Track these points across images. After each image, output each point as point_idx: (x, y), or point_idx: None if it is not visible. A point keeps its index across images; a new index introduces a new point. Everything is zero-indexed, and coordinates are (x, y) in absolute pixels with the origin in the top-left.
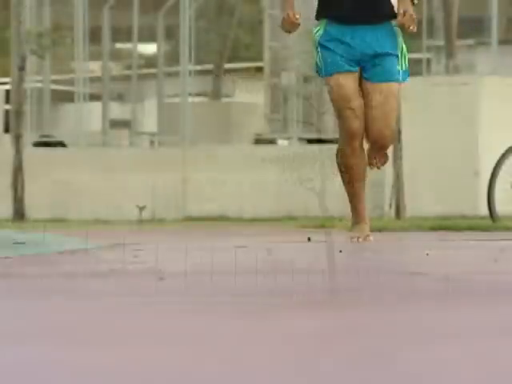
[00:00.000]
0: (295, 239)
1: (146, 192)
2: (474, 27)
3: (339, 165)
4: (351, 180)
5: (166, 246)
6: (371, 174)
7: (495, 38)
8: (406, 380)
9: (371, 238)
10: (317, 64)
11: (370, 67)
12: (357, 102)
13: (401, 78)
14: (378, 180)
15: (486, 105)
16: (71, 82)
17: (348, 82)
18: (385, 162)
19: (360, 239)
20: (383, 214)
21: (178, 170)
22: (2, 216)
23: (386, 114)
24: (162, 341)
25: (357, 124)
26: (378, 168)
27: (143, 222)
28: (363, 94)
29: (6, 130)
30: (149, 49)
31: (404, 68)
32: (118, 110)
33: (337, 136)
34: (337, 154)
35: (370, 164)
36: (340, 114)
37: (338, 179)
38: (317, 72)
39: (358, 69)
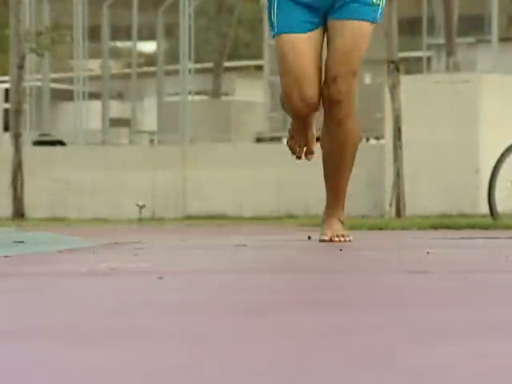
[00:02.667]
0: (295, 238)
1: (145, 190)
2: (474, 25)
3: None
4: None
5: (166, 244)
6: (371, 174)
7: (495, 35)
8: (406, 379)
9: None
10: (270, 18)
11: (338, 6)
12: (312, 73)
13: (374, 18)
14: (378, 179)
15: (486, 103)
16: (71, 81)
17: (305, 46)
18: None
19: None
20: (383, 212)
21: (177, 169)
22: (2, 215)
23: (350, 57)
24: (161, 340)
25: (312, 92)
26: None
27: (143, 221)
28: (328, 35)
29: (6, 129)
30: (148, 47)
31: (380, 5)
32: (117, 109)
33: None
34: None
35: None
36: (284, 81)
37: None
38: (270, 28)
39: (320, 25)
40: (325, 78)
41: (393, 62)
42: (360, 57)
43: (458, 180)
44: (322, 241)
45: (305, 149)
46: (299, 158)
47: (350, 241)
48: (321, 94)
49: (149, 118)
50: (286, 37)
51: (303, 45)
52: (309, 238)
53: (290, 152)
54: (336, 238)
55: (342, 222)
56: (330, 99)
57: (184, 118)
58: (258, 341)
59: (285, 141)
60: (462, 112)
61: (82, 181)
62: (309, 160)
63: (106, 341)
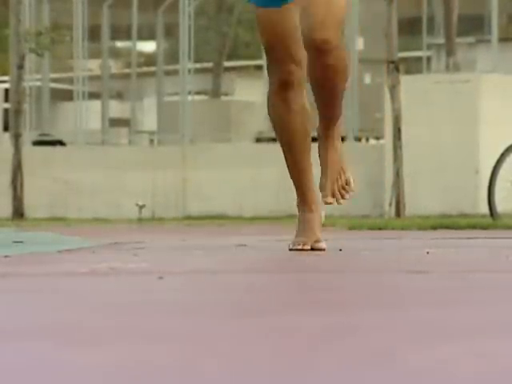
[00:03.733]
0: None
1: (145, 190)
2: (474, 25)
3: (271, 120)
4: (289, 145)
5: (166, 244)
6: (371, 174)
7: (495, 35)
8: (406, 379)
9: (322, 244)
10: None
11: None
12: (294, 42)
13: None
14: (377, 179)
15: (486, 102)
16: (70, 81)
17: (284, 17)
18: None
19: (301, 246)
20: (383, 212)
21: (177, 169)
22: (1, 214)
23: (332, 5)
24: (161, 340)
25: (292, 67)
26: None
27: (143, 221)
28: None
29: (5, 129)
30: (148, 47)
31: None
32: (117, 109)
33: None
34: (267, 104)
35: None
36: (269, 51)
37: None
38: None
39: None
40: (305, 28)
41: (393, 61)
42: (341, 13)
43: (458, 180)
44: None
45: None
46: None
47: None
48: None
49: (148, 118)
50: (262, 11)
51: (280, 19)
52: None
53: None
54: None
55: (338, 143)
56: (316, 47)
57: (184, 118)
58: (258, 341)
59: None
60: (462, 112)
61: (82, 181)
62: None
63: (106, 341)
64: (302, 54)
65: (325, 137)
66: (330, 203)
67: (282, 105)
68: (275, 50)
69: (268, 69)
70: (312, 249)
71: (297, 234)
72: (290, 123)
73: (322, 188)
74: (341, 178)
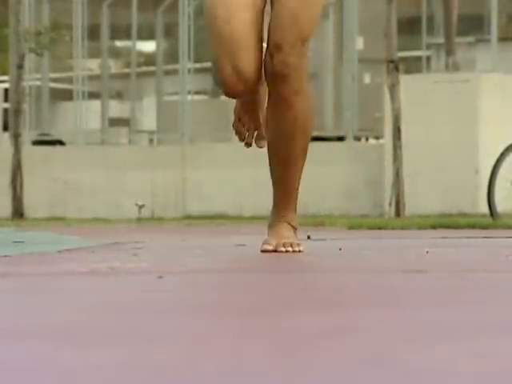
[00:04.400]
0: None
1: (145, 190)
2: (473, 24)
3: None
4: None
5: (166, 244)
6: (371, 174)
7: (495, 35)
8: (406, 379)
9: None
10: None
11: None
12: (249, 40)
13: None
14: (377, 178)
15: (485, 102)
16: (70, 80)
17: (240, 5)
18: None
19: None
20: (383, 212)
21: (177, 168)
22: (1, 214)
23: (299, 18)
24: (160, 339)
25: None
26: None
27: (142, 221)
28: None
29: (5, 129)
30: (148, 47)
31: None
32: (116, 108)
33: (338, 134)
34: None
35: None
36: (214, 49)
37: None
38: None
39: None
40: (267, 45)
41: (392, 61)
42: (312, 19)
43: (458, 180)
44: (263, 251)
45: (255, 133)
46: (248, 144)
47: (300, 251)
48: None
49: (148, 118)
50: None
51: (237, 3)
52: (308, 237)
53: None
54: (282, 248)
55: (293, 228)
56: (273, 72)
57: (183, 118)
58: (258, 341)
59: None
60: (462, 111)
61: (82, 180)
62: (261, 147)
63: (105, 341)
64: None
65: (277, 209)
66: (269, 251)
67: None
68: (223, 42)
69: (215, 69)
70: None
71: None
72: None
73: (265, 242)
74: (290, 244)
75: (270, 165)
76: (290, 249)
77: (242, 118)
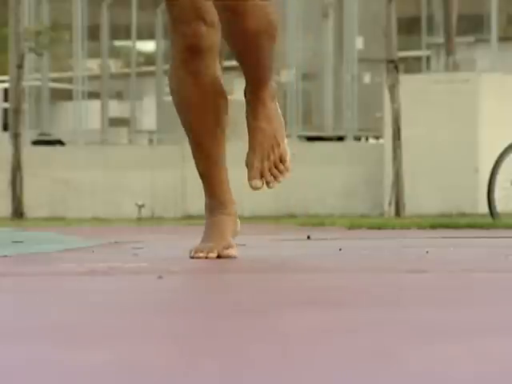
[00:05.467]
0: (295, 237)
1: (144, 190)
2: (473, 24)
3: (173, 99)
4: (198, 130)
5: (165, 244)
6: (371, 173)
7: (495, 35)
8: (406, 379)
9: (232, 251)
10: None
11: None
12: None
13: None
14: (377, 178)
15: (485, 102)
16: (70, 80)
17: None
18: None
19: (205, 253)
20: (383, 212)
21: (177, 168)
22: (1, 214)
23: None
24: (160, 339)
25: (200, 28)
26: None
27: (142, 220)
28: None
29: (5, 129)
30: (148, 46)
31: None
32: (116, 108)
33: (338, 134)
34: (169, 80)
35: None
36: (170, 8)
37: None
38: None
39: None
40: None
41: (392, 61)
42: None
43: (458, 179)
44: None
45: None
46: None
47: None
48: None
49: (148, 118)
50: None
51: None
52: (308, 237)
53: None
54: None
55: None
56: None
57: None
58: (258, 341)
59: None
60: (462, 111)
61: (82, 180)
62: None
63: (105, 341)
64: (215, 13)
65: (252, 101)
66: (258, 188)
67: (188, 79)
68: (178, 6)
69: (170, 35)
70: (219, 256)
71: (202, 239)
72: (198, 103)
73: (249, 167)
74: (273, 152)
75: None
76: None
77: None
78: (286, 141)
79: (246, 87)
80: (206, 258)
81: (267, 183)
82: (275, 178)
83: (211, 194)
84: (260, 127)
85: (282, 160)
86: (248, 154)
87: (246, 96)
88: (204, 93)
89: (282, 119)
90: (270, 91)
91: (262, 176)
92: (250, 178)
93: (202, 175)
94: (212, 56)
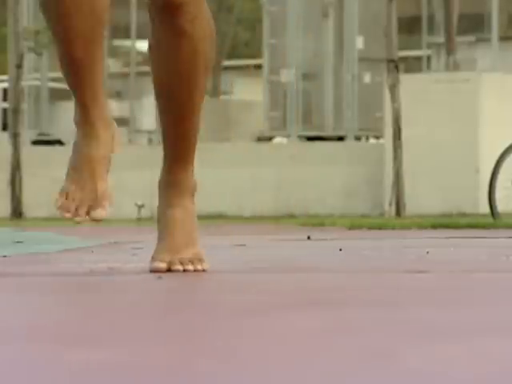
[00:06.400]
0: (295, 237)
1: (144, 190)
2: (474, 24)
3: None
4: (71, 52)
5: None
6: (371, 173)
7: (495, 34)
8: (406, 379)
9: (199, 265)
10: None
11: None
12: None
13: None
14: (377, 178)
15: (486, 101)
16: None
17: None
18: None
19: (163, 265)
20: (383, 211)
21: None
22: (0, 214)
23: None
24: (160, 340)
25: None
26: None
27: (142, 220)
28: None
29: (4, 128)
30: (147, 46)
31: None
32: (116, 108)
33: (338, 133)
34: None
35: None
36: None
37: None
38: None
39: None
40: None
41: (392, 60)
42: None
43: (458, 179)
44: (153, 271)
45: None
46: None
47: (204, 270)
48: None
49: (147, 117)
50: None
51: None
52: (308, 237)
53: (287, 151)
54: (179, 266)
55: (193, 220)
56: (164, 4)
57: None
58: (258, 341)
59: (282, 139)
60: (462, 111)
61: None
62: (98, 220)
63: (105, 341)
64: None
65: (169, 182)
66: (161, 270)
67: None
68: None
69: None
70: (184, 270)
71: (156, 249)
72: (74, 17)
73: (155, 258)
74: (187, 250)
75: (161, 116)
76: (190, 267)
77: (69, 190)
78: (199, 241)
79: (163, 167)
80: (169, 270)
81: (176, 270)
82: (185, 270)
83: (80, 109)
84: (174, 216)
85: (197, 260)
86: (156, 248)
87: (160, 183)
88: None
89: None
90: (191, 182)
91: (169, 269)
92: (156, 261)
93: (70, 84)
94: None
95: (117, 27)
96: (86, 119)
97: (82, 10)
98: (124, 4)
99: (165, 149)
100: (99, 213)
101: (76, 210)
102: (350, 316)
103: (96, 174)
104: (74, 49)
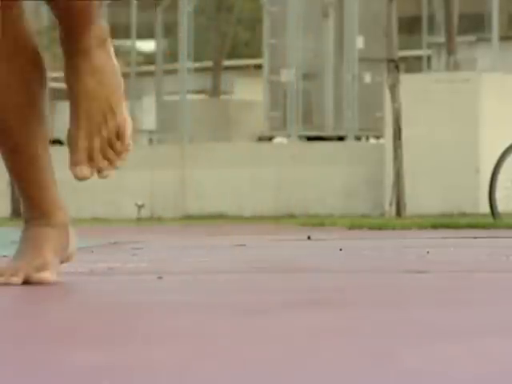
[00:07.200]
0: (295, 237)
1: (144, 190)
2: (474, 24)
3: None
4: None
5: (165, 244)
6: (371, 173)
7: (496, 34)
8: (405, 379)
9: (47, 274)
10: None
11: None
12: None
13: None
14: (377, 178)
15: (486, 101)
16: None
17: None
18: None
19: (5, 278)
20: (383, 212)
21: (176, 168)
22: (1, 214)
23: None
24: (160, 339)
25: None
26: None
27: (142, 220)
28: None
29: None
30: (147, 46)
31: None
32: None
33: (338, 133)
34: None
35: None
36: None
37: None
38: None
39: None
40: None
41: (393, 60)
42: None
43: (458, 179)
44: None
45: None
46: None
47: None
48: None
49: (148, 117)
50: None
51: None
52: (308, 237)
53: (288, 151)
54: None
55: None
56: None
57: (183, 117)
58: (258, 341)
59: (283, 140)
60: (462, 111)
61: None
62: (82, 178)
63: (105, 341)
64: None
65: (71, 51)
66: (85, 177)
67: None
68: None
69: None
70: (27, 282)
71: (13, 257)
72: None
73: (71, 147)
74: (106, 124)
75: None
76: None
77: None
78: (125, 106)
79: (60, 31)
80: (8, 283)
81: (98, 170)
82: (110, 162)
83: (28, 200)
84: (85, 89)
85: (119, 135)
86: (69, 130)
87: (61, 45)
88: (7, 54)
89: (120, 76)
90: (98, 33)
91: (90, 160)
92: (73, 163)
93: (14, 177)
94: (11, 12)
95: (117, 27)
96: (34, 209)
97: (13, 78)
98: (124, 4)
99: (55, 10)
100: (45, 274)
101: (10, 275)
102: (350, 316)
103: (42, 250)
104: (10, 134)
